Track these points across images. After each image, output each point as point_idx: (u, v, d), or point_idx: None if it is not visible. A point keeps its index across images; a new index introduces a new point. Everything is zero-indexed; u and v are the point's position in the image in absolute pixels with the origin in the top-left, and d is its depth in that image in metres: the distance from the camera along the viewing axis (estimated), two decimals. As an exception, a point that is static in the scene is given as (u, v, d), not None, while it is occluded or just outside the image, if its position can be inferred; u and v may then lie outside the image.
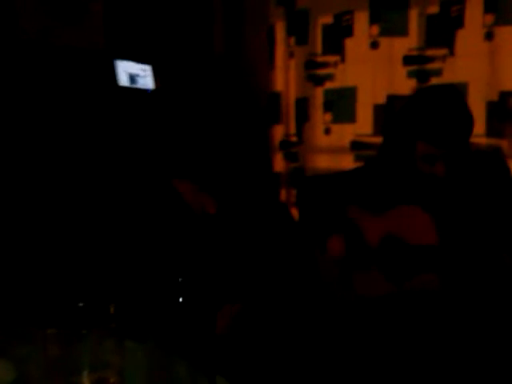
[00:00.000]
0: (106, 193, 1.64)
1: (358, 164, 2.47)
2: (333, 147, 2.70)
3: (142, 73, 2.41)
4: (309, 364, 1.52)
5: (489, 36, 2.36)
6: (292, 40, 2.76)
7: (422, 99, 1.52)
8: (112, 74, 2.30)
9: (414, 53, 2.51)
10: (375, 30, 2.55)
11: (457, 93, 1.51)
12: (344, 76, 2.66)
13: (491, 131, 2.35)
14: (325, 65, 2.70)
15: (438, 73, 2.46)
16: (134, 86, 2.36)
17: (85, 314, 0.70)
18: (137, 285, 1.28)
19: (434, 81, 2.45)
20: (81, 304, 0.71)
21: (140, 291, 1.20)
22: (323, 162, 2.72)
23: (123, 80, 2.34)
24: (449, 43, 2.44)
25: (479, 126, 2.13)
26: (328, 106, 2.71)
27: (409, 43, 2.52)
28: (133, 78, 2.37)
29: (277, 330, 1.55)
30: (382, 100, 2.57)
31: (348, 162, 2.59)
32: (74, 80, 2.18)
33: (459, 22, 2.36)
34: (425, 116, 1.47)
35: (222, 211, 1.86)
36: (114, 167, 1.78)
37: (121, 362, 0.68)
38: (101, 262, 1.43)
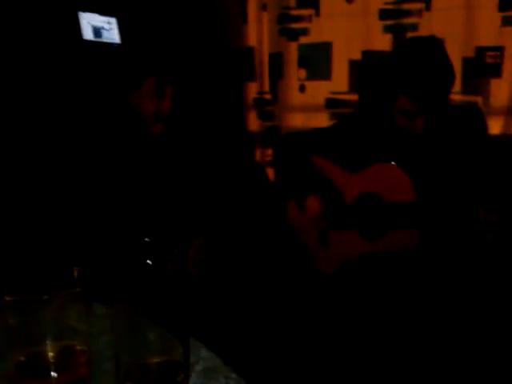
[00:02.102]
0: (69, 150, 1.56)
1: (334, 122, 2.43)
2: (308, 105, 2.64)
3: (106, 26, 2.28)
4: (282, 322, 1.51)
5: (466, -11, 2.31)
6: (265, -9, 2.65)
7: (404, 51, 1.47)
8: (76, 26, 2.17)
9: (390, 6, 2.44)
10: (351, -19, 2.47)
11: (439, 45, 1.46)
12: (319, 30, 2.58)
13: (467, 88, 2.33)
14: (299, 18, 2.61)
15: (414, 27, 2.41)
16: (99, 39, 2.24)
17: (46, 279, 0.64)
18: (102, 244, 1.22)
19: (410, 36, 2.39)
20: (42, 268, 0.65)
21: (106, 250, 1.14)
22: (298, 121, 2.66)
23: (87, 33, 2.21)
24: (426, -3, 2.38)
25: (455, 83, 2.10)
26: (302, 62, 2.63)
27: (385, -4, 2.45)
28: (97, 31, 2.24)
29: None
30: (357, 55, 2.51)
31: (323, 120, 2.54)
32: (34, 32, 2.05)
33: (436, -25, 2.30)
34: (407, 68, 1.42)
35: (194, 168, 1.80)
36: (77, 121, 1.69)
37: (88, 329, 0.63)
38: (62, 221, 1.37)
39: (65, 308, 0.63)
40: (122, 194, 1.48)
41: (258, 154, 2.76)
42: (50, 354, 0.63)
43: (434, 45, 1.47)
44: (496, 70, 2.30)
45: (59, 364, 0.63)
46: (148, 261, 0.53)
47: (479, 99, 2.30)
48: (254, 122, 2.77)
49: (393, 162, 1.51)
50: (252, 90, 2.75)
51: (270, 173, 2.64)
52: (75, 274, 0.66)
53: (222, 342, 0.86)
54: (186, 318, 0.55)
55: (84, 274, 0.66)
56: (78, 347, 0.64)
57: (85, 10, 2.22)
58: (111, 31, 2.29)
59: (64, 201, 1.43)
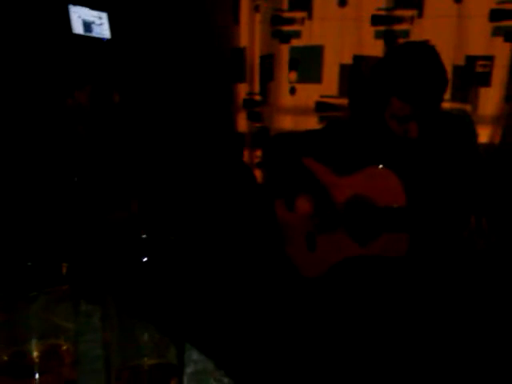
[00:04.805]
0: (54, 144, 1.53)
1: (325, 124, 2.42)
2: (298, 108, 2.63)
3: (97, 20, 2.24)
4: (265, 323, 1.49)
5: (458, -2, 2.32)
6: (257, -7, 2.64)
7: (398, 55, 1.46)
8: (66, 20, 2.13)
9: (382, 13, 2.45)
10: (344, -15, 2.48)
11: (432, 50, 1.47)
12: (311, 34, 2.57)
13: (456, 95, 2.34)
14: (291, 21, 2.60)
15: (406, 34, 2.42)
16: (89, 34, 2.20)
17: (33, 275, 0.62)
18: (93, 239, 1.19)
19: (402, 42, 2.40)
20: (28, 263, 0.62)
21: (96, 246, 1.11)
22: (288, 123, 2.65)
23: (77, 27, 2.17)
24: (417, 4, 2.39)
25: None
26: (293, 65, 2.62)
27: (377, 2, 2.45)
28: (88, 26, 2.20)
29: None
30: (348, 60, 2.51)
31: (313, 123, 2.53)
32: (24, 26, 2.01)
33: (428, -17, 2.31)
34: (400, 71, 1.41)
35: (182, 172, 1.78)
36: (64, 115, 1.66)
37: (74, 328, 0.61)
38: (50, 215, 1.33)
39: (51, 305, 0.61)
40: (111, 191, 1.45)
41: (246, 155, 2.74)
42: (35, 354, 0.61)
43: (428, 49, 1.47)
44: (485, 79, 2.31)
45: (44, 364, 0.61)
46: (143, 258, 0.50)
47: (468, 107, 2.32)
48: (243, 123, 2.75)
49: (382, 166, 1.50)
50: (242, 90, 2.73)
51: (258, 174, 2.62)
52: (63, 270, 0.63)
53: (214, 344, 0.84)
54: (181, 318, 0.53)
55: (72, 270, 0.63)
56: (64, 347, 0.62)
57: (75, 4, 2.19)
58: (102, 26, 2.26)
59: (52, 195, 1.39)
